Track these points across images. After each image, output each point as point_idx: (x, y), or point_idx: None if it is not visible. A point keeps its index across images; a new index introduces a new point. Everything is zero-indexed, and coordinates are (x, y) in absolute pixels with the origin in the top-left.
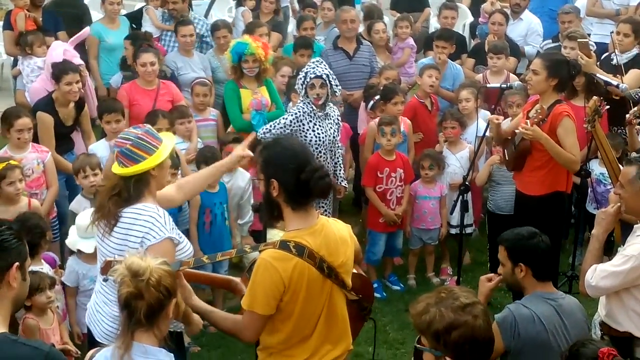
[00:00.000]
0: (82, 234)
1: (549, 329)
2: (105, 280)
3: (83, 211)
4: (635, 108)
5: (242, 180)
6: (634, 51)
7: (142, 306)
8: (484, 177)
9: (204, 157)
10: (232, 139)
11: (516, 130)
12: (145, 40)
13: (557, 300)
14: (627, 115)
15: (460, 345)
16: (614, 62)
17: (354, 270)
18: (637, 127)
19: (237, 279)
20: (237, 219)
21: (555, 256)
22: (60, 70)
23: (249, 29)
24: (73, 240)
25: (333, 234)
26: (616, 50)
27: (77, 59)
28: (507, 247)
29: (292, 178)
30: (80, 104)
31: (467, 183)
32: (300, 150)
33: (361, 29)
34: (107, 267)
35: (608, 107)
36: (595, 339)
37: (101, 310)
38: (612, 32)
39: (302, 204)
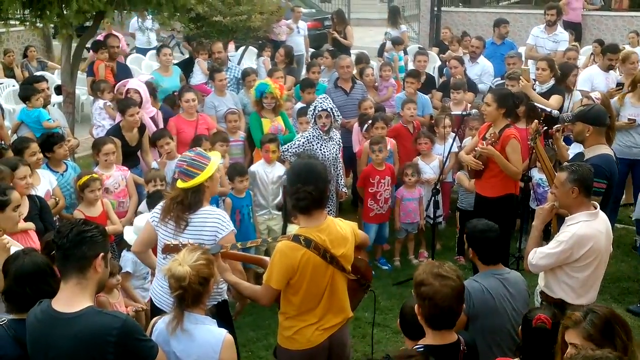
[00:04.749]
0: (138, 232)
1: (496, 297)
2: (164, 258)
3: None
4: (558, 125)
5: (278, 171)
6: (551, 82)
7: (189, 297)
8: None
9: (236, 171)
10: (268, 139)
11: (475, 149)
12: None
13: (502, 275)
14: (551, 130)
15: (423, 299)
16: (536, 91)
17: (361, 257)
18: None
19: (267, 258)
20: (274, 199)
21: (506, 242)
22: (125, 105)
23: (269, 73)
24: (131, 237)
25: (336, 231)
26: (537, 82)
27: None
28: (466, 233)
29: (289, 192)
30: (142, 129)
31: (437, 187)
32: (302, 173)
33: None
34: (166, 249)
35: (545, 127)
36: (539, 307)
37: (161, 284)
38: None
39: (299, 211)
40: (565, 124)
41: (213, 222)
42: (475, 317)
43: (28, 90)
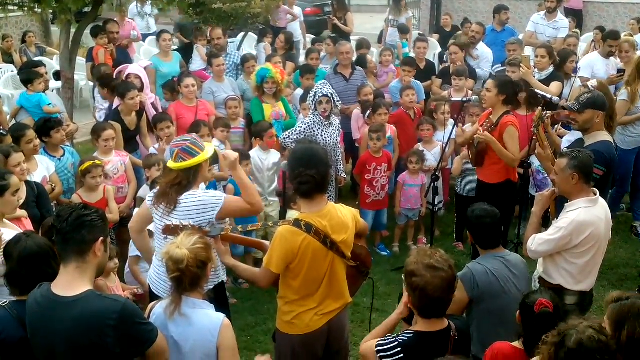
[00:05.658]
0: None
1: (500, 278)
2: (165, 238)
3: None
4: (549, 112)
5: (274, 158)
6: (550, 69)
7: (187, 279)
8: (458, 168)
9: (242, 155)
10: (268, 126)
11: (475, 136)
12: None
13: (504, 257)
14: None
15: (414, 289)
16: (536, 77)
17: (361, 244)
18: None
19: (267, 243)
20: (269, 186)
21: (505, 228)
22: (124, 89)
23: (268, 59)
24: None
25: (337, 217)
26: (536, 69)
27: (140, 68)
28: (466, 216)
29: (291, 176)
30: (140, 113)
31: (437, 174)
32: (304, 158)
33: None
34: (167, 229)
35: (548, 114)
36: (535, 291)
37: (158, 271)
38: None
39: (301, 195)
40: (559, 111)
41: (201, 202)
42: (480, 300)
43: (31, 74)
